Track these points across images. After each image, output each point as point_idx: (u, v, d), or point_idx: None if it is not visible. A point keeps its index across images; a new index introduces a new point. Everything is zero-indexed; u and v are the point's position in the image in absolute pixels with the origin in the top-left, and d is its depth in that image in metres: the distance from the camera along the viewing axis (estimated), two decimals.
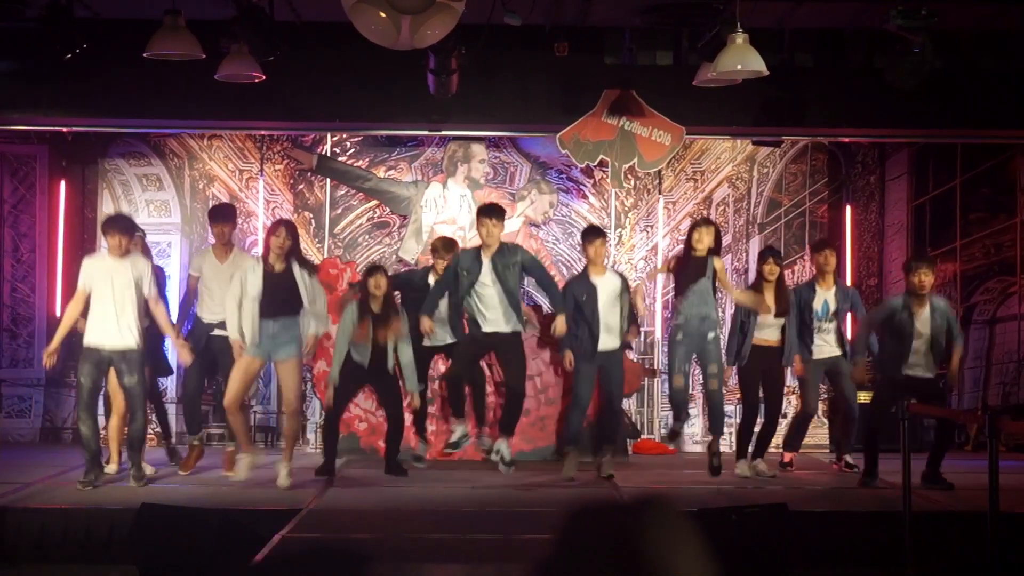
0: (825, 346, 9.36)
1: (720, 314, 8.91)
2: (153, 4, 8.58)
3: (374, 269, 9.10)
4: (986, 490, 6.06)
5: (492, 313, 8.79)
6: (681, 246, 9.94)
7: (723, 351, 9.06)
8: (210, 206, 10.36)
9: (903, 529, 6.89)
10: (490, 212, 8.90)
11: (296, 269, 8.42)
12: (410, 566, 6.27)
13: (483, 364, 9.54)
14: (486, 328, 8.83)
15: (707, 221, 9.28)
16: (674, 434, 9.34)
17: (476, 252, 8.91)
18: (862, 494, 8.38)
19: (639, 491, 8.38)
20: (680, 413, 9.12)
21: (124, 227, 8.40)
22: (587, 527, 1.96)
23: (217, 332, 8.86)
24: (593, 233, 9.23)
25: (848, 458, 9.60)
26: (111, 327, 8.25)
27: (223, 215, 9.36)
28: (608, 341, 9.01)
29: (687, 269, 8.89)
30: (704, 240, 8.89)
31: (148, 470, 8.96)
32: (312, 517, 7.47)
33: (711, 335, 8.59)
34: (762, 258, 9.34)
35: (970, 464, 8.94)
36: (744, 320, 9.15)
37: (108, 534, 7.35)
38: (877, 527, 7.48)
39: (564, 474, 8.99)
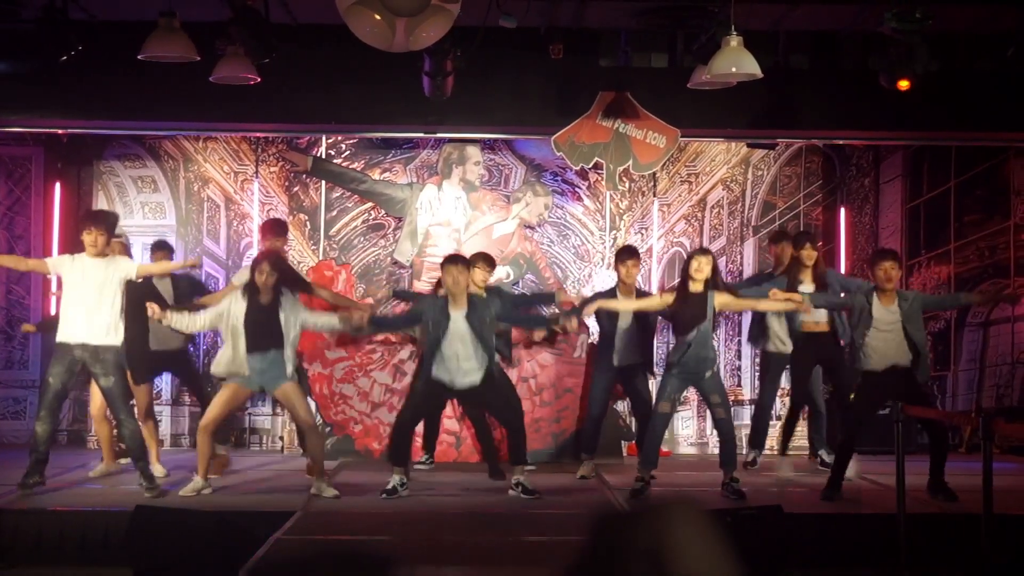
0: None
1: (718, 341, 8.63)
2: (148, 6, 8.58)
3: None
4: (980, 492, 6.07)
5: (466, 364, 8.15)
6: (663, 248, 9.91)
7: (723, 383, 8.80)
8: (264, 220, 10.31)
9: (898, 530, 6.90)
10: (455, 260, 8.34)
11: (281, 303, 8.11)
12: (405, 568, 6.26)
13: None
14: (457, 384, 8.20)
15: (705, 251, 8.58)
16: (638, 491, 8.33)
17: (444, 305, 8.22)
18: (857, 496, 8.36)
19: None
20: (651, 456, 8.38)
21: (101, 222, 8.08)
22: (617, 529, 1.96)
23: None
24: (624, 254, 9.23)
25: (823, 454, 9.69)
26: (81, 322, 7.92)
27: (274, 229, 9.24)
28: (626, 358, 9.17)
29: (686, 306, 8.27)
30: (703, 270, 8.23)
31: (160, 471, 8.95)
32: (307, 519, 7.47)
33: (708, 373, 8.31)
34: (799, 243, 9.19)
35: (964, 466, 8.93)
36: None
37: (104, 536, 7.34)
38: (872, 529, 7.49)
39: (579, 474, 9.39)
